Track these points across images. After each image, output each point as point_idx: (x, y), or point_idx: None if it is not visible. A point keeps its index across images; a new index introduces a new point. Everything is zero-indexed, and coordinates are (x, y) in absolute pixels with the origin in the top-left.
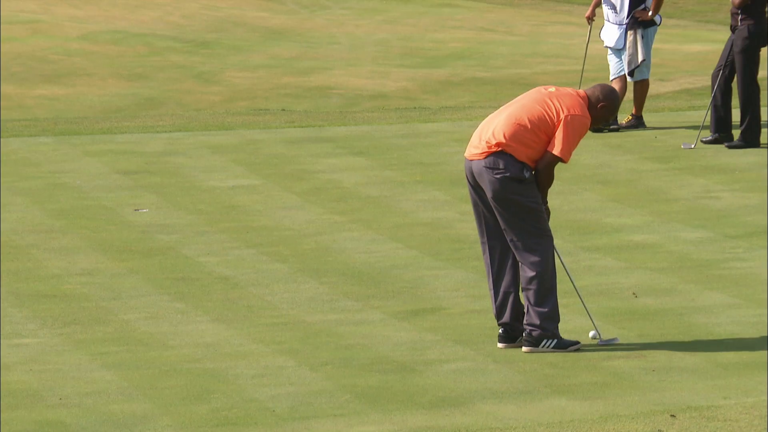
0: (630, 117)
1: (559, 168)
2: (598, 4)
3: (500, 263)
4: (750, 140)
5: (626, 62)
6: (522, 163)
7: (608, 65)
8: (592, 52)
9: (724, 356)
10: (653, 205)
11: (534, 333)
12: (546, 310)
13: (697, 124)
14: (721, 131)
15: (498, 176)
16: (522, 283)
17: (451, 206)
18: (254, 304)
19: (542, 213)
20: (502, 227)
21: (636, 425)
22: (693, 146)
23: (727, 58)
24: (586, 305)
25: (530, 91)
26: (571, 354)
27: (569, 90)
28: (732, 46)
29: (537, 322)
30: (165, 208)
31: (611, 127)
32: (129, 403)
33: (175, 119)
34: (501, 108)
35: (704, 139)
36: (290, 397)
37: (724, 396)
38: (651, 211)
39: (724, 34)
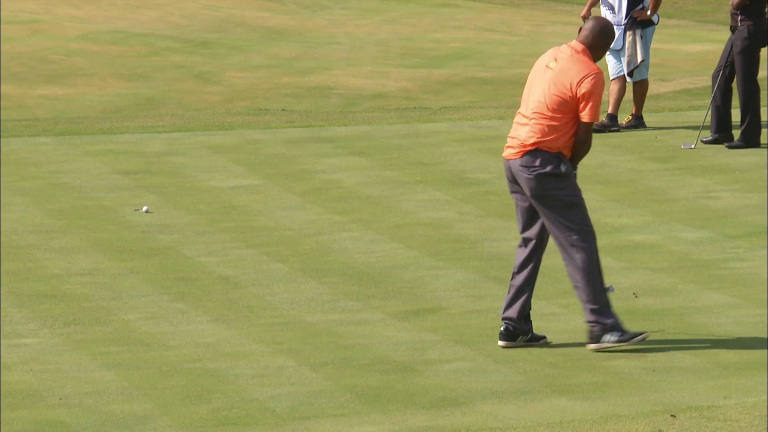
0: (630, 117)
1: None
2: (594, 4)
3: (525, 259)
4: (750, 140)
5: (625, 63)
6: (558, 155)
7: (606, 65)
8: None
9: (725, 356)
10: (653, 205)
11: (595, 329)
12: (597, 306)
13: (697, 124)
14: (721, 131)
15: (534, 173)
16: (571, 282)
17: (451, 206)
18: (254, 304)
19: (584, 208)
20: (546, 225)
21: (636, 425)
22: (693, 146)
23: (727, 59)
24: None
25: (535, 69)
26: (572, 354)
27: (567, 53)
28: (732, 46)
29: (593, 318)
30: (165, 208)
31: (612, 128)
32: (129, 403)
33: (175, 119)
34: (525, 97)
35: (704, 139)
36: (290, 397)
37: (725, 396)
38: (651, 211)
39: (724, 34)
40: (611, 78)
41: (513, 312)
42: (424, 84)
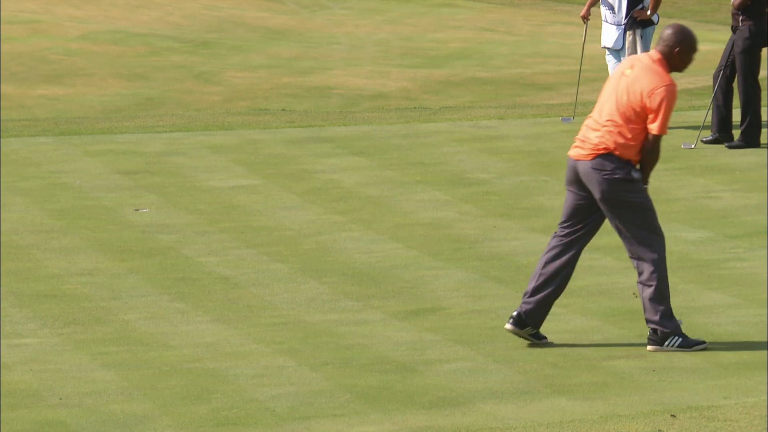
0: None
1: (559, 167)
2: (594, 4)
3: (561, 251)
4: (750, 140)
5: None
6: (629, 162)
7: (606, 65)
8: (589, 52)
9: (725, 356)
10: (654, 205)
11: (659, 332)
12: (664, 308)
13: (697, 124)
14: (721, 131)
15: (606, 177)
16: (641, 279)
17: (451, 206)
18: (254, 304)
19: (654, 212)
20: (615, 228)
21: (636, 425)
22: (693, 146)
23: (728, 59)
24: None
25: (614, 74)
26: (571, 354)
27: (644, 62)
28: (733, 46)
29: (656, 318)
30: (165, 208)
31: None
32: (129, 403)
33: (175, 119)
34: (599, 102)
35: (704, 139)
36: (290, 397)
37: (725, 396)
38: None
39: (725, 34)
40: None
41: (534, 301)
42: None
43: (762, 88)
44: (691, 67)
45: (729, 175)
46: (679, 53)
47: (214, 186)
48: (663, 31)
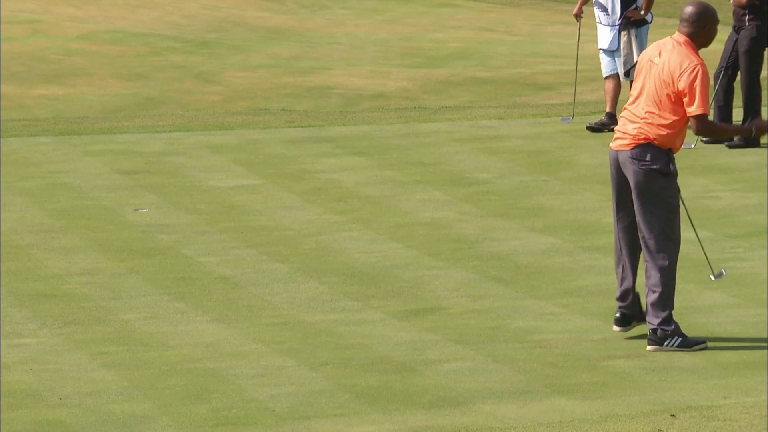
0: (604, 116)
1: (559, 167)
2: (586, 2)
3: (633, 244)
4: (750, 140)
5: (621, 63)
6: (668, 153)
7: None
8: (589, 51)
9: (724, 356)
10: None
11: (659, 332)
12: (665, 314)
13: None
14: None
15: (644, 168)
16: (648, 283)
17: (451, 206)
18: (254, 304)
19: (678, 215)
20: (640, 222)
21: (636, 425)
22: (693, 146)
23: (729, 58)
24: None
25: (641, 63)
26: (571, 354)
27: (669, 45)
28: (735, 45)
29: (657, 323)
30: (165, 208)
31: (611, 126)
32: (129, 403)
33: (175, 119)
34: (633, 93)
35: (704, 139)
36: (290, 397)
37: (724, 396)
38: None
39: (724, 34)
40: (604, 76)
41: (629, 301)
42: (423, 84)
43: (763, 87)
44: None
45: (729, 174)
46: (708, 30)
47: (214, 186)
48: (684, 10)
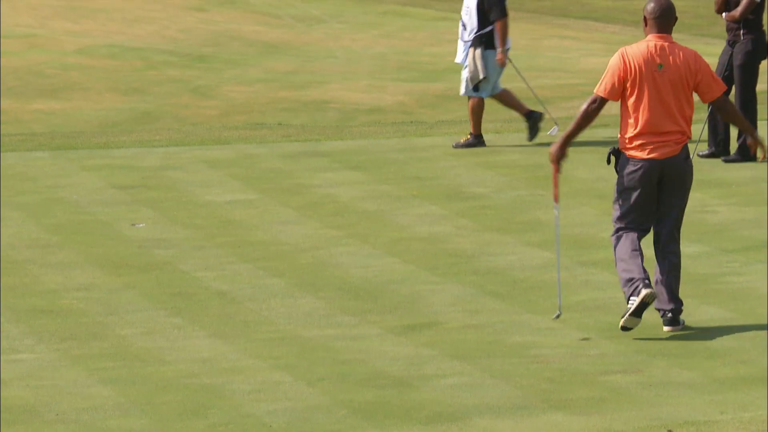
0: (468, 136)
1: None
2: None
3: (661, 252)
4: (746, 154)
5: (468, 78)
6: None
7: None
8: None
9: (721, 371)
10: None
11: (674, 312)
12: (677, 294)
13: (693, 138)
14: (717, 145)
15: (690, 165)
16: (671, 269)
17: (447, 221)
18: (251, 319)
19: None
20: (670, 217)
21: None
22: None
23: (724, 73)
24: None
25: (644, 80)
26: (569, 369)
27: (667, 48)
28: (730, 59)
29: (676, 305)
30: (162, 223)
31: (479, 145)
32: (126, 418)
33: (171, 134)
34: (640, 107)
35: (701, 153)
36: (287, 413)
37: (722, 411)
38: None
39: (719, 48)
40: (462, 94)
41: (670, 302)
42: (420, 98)
43: (760, 101)
44: None
45: (725, 189)
46: (671, 21)
47: (211, 201)
48: (652, 14)
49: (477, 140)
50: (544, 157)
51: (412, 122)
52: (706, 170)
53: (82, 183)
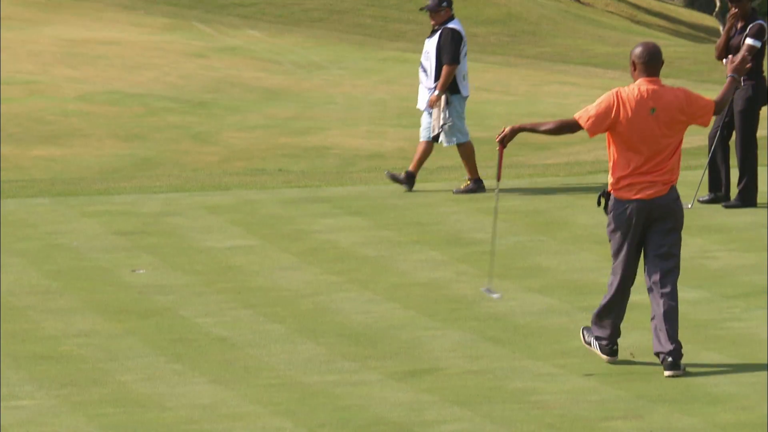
0: (468, 182)
1: (556, 227)
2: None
3: (652, 295)
4: (747, 200)
5: (432, 126)
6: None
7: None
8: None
9: (722, 417)
10: None
11: (676, 357)
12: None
13: (693, 183)
14: (718, 191)
15: (680, 206)
16: (668, 312)
17: (448, 266)
18: (251, 365)
19: None
20: (667, 256)
21: None
22: (690, 206)
23: (725, 118)
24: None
25: (637, 125)
26: (569, 415)
27: (658, 91)
28: (731, 105)
29: (678, 347)
30: (162, 269)
31: (407, 186)
32: None
33: (172, 180)
34: (631, 147)
35: (701, 199)
36: None
37: None
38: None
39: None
40: (423, 139)
41: (669, 343)
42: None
43: (761, 147)
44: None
45: (726, 234)
46: (658, 66)
47: (211, 246)
48: (641, 58)
49: (477, 185)
50: (543, 202)
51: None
52: (706, 216)
53: (82, 229)
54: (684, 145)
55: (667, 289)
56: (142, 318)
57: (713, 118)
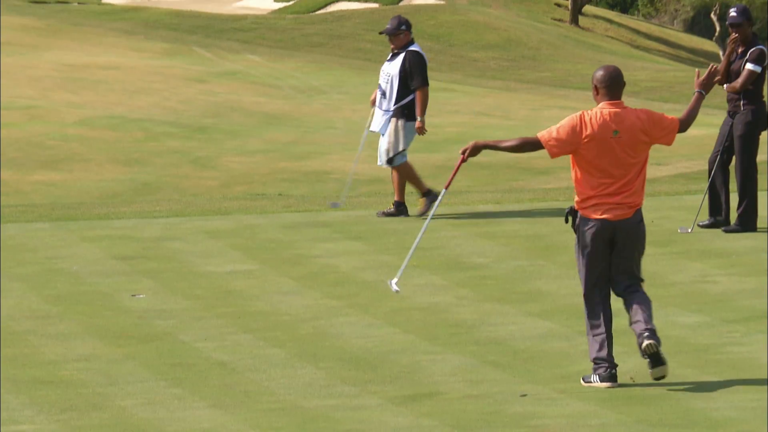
0: (392, 205)
1: (555, 252)
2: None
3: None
4: (747, 224)
5: (386, 149)
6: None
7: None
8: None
9: None
10: (650, 290)
11: (655, 345)
12: (653, 327)
13: (693, 208)
14: (718, 215)
15: (644, 228)
16: (642, 312)
17: (448, 291)
18: (251, 390)
19: None
20: (630, 270)
21: None
22: (690, 230)
23: (724, 143)
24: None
25: (599, 146)
26: None
27: (621, 114)
28: (731, 130)
29: (655, 339)
30: (162, 294)
31: (401, 215)
32: None
33: (171, 204)
34: (597, 169)
35: (701, 224)
36: None
37: None
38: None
39: (719, 119)
40: (380, 163)
41: (610, 355)
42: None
43: (761, 171)
44: (687, 151)
45: (726, 259)
46: (620, 89)
47: (211, 271)
48: (603, 82)
49: (399, 209)
50: (543, 227)
51: (412, 192)
52: (706, 240)
53: (82, 254)
54: (685, 170)
55: (638, 292)
56: (142, 343)
57: (676, 137)
